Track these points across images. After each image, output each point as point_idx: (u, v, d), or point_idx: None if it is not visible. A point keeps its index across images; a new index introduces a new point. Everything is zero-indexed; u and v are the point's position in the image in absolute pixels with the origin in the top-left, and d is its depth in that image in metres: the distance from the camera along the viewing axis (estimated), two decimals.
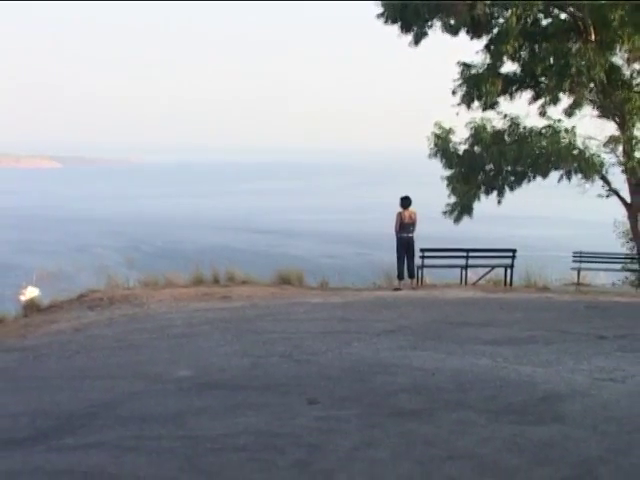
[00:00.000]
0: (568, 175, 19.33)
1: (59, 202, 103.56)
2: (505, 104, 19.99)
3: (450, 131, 20.06)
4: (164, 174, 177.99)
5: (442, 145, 19.96)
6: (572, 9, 18.86)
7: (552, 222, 70.06)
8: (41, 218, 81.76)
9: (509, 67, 19.91)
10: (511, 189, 20.23)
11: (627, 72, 19.52)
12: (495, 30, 19.35)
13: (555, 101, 19.23)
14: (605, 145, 19.31)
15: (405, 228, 14.10)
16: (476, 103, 19.61)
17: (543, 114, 19.63)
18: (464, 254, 15.75)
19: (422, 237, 14.74)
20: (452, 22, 19.01)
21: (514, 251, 15.48)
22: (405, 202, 14.22)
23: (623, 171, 19.41)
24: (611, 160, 19.41)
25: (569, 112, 19.18)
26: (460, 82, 19.68)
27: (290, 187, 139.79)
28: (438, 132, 20.03)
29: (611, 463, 4.44)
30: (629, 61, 19.27)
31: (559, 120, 19.41)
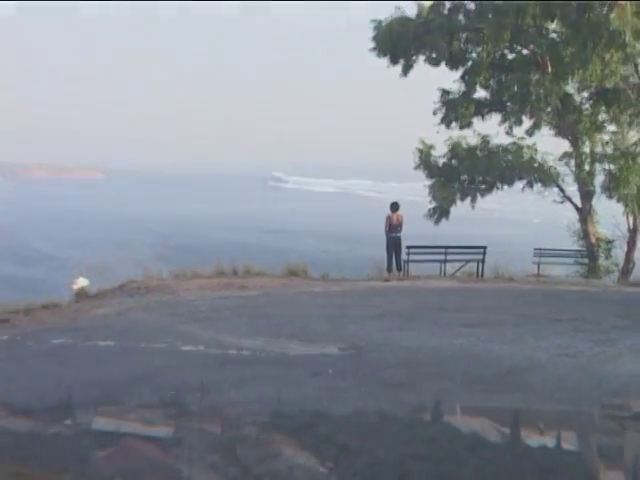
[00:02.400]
0: (530, 184, 19.39)
1: (102, 206, 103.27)
2: (478, 124, 20.05)
3: (431, 147, 20.10)
4: (188, 183, 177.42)
5: (425, 158, 20.00)
6: (532, 46, 18.89)
7: (516, 223, 69.80)
8: (89, 219, 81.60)
9: (481, 93, 19.98)
10: (482, 195, 20.27)
11: (578, 99, 19.57)
12: (469, 63, 19.42)
13: (519, 123, 19.32)
14: (560, 159, 19.36)
15: (394, 229, 14.10)
16: (453, 123, 19.68)
17: (509, 133, 19.70)
18: (443, 250, 15.76)
19: (409, 236, 14.72)
20: (434, 56, 19.12)
21: (485, 248, 15.48)
22: (394, 207, 14.22)
23: (575, 181, 19.45)
24: (565, 172, 19.47)
25: (530, 132, 19.28)
26: (440, 105, 19.78)
27: (294, 192, 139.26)
28: (422, 147, 20.07)
29: (564, 424, 4.45)
30: (579, 90, 19.35)
31: (522, 138, 19.49)
